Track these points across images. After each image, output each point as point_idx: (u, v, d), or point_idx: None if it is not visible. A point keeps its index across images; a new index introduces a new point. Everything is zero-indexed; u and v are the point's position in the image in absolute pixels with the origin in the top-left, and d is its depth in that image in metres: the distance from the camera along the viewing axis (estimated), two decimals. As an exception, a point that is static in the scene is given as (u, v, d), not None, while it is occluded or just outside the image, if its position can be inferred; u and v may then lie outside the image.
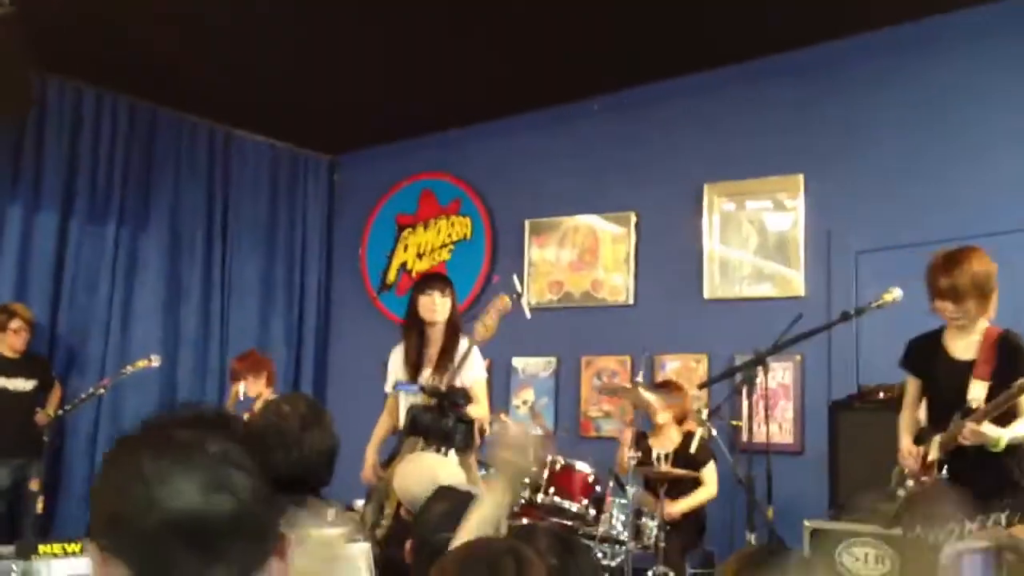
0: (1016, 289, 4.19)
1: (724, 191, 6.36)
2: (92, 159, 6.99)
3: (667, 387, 5.64)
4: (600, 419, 6.68)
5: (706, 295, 6.32)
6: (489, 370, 5.37)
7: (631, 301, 6.73)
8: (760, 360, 4.10)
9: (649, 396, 5.23)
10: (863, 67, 5.91)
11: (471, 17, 5.76)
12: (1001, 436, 3.57)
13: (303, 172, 8.33)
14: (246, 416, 5.15)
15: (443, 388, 4.33)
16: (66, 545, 2.11)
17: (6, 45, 5.22)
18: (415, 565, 2.41)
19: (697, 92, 6.53)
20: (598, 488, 4.84)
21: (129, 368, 5.81)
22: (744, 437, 4.73)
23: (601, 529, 4.73)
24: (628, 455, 5.00)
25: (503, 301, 4.40)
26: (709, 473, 5.32)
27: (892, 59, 5.79)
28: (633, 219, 6.77)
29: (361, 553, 2.52)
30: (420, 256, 7.84)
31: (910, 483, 3.89)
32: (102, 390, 5.81)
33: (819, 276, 5.88)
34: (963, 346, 3.82)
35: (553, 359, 6.93)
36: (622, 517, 4.77)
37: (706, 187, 6.39)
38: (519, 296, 5.14)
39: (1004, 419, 3.62)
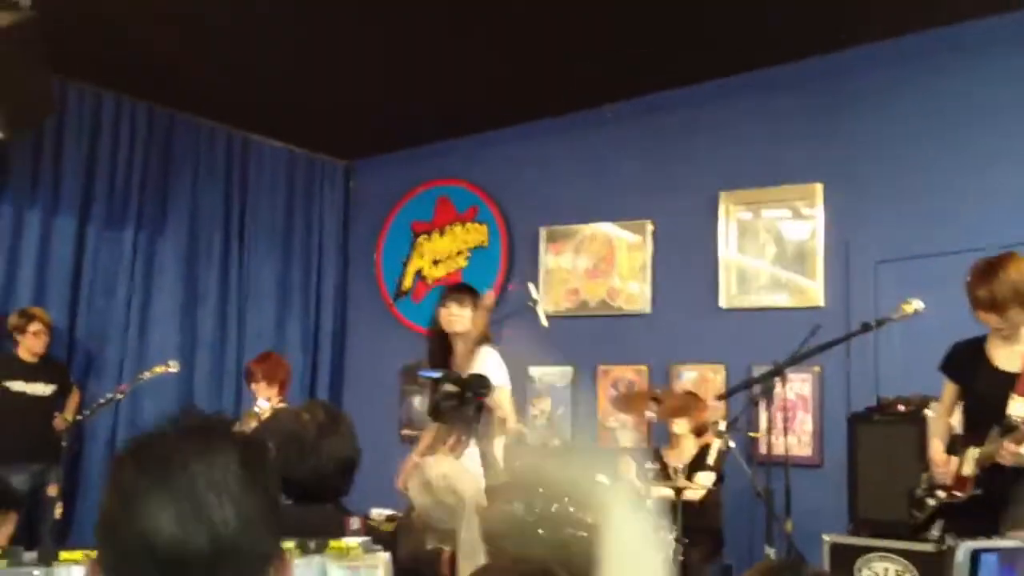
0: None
1: (741, 199, 6.33)
2: (110, 164, 7.01)
3: (686, 398, 5.61)
4: (617, 429, 6.65)
5: (723, 304, 6.30)
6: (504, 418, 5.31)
7: (648, 310, 6.71)
8: (778, 371, 4.08)
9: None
10: (882, 76, 5.88)
11: (487, 24, 5.76)
12: None
13: (319, 177, 8.34)
14: (254, 422, 5.16)
15: (465, 375, 4.34)
16: (88, 552, 2.10)
17: (25, 51, 5.23)
18: None
19: (714, 99, 6.51)
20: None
21: (147, 373, 5.82)
22: (762, 449, 4.71)
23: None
24: (647, 467, 4.98)
25: (488, 297, 4.45)
26: (704, 477, 5.28)
27: (911, 68, 5.76)
28: (649, 227, 6.75)
29: (381, 562, 2.50)
30: (436, 263, 7.83)
31: (941, 494, 3.84)
32: (120, 395, 5.82)
33: (837, 286, 5.85)
34: (1007, 356, 3.72)
35: (570, 368, 6.91)
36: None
37: (722, 195, 6.37)
38: (535, 304, 5.14)
39: None
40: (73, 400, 6.41)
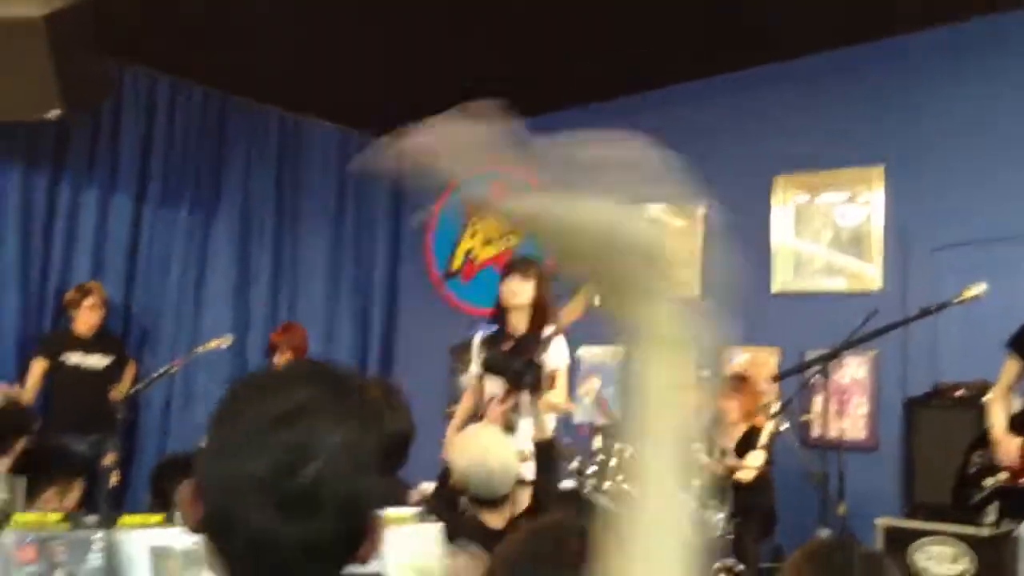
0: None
1: (797, 183, 6.26)
2: (166, 146, 7.11)
3: (736, 380, 5.56)
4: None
5: (776, 288, 6.24)
6: (554, 376, 5.31)
7: (698, 293, 6.64)
8: (835, 355, 4.04)
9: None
10: (944, 59, 5.78)
11: (536, 5, 5.73)
12: None
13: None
14: None
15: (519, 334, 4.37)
16: (148, 516, 2.13)
17: (82, 33, 5.31)
18: None
19: (771, 83, 6.43)
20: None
21: (201, 348, 5.89)
22: (816, 432, 4.67)
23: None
24: (694, 448, 4.94)
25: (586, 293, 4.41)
26: (755, 457, 5.23)
27: (974, 51, 5.66)
28: (701, 211, 6.69)
29: (435, 532, 2.51)
30: (486, 243, 7.83)
31: (1002, 475, 3.77)
32: (174, 369, 5.90)
33: (895, 270, 5.77)
34: None
35: (620, 348, 6.86)
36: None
37: (778, 179, 6.30)
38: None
39: None
40: (129, 373, 6.53)
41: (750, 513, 5.08)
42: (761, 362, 6.13)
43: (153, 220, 7.05)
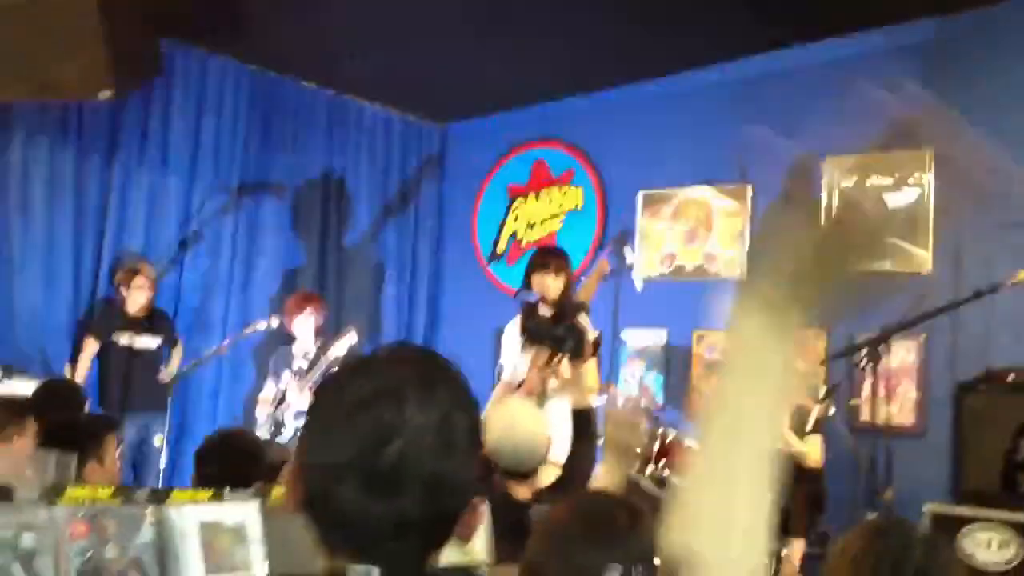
0: None
1: (846, 165, 6.17)
2: (216, 125, 7.16)
3: None
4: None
5: (824, 271, 6.16)
6: (599, 342, 5.32)
7: (745, 276, 6.59)
8: (884, 338, 3.99)
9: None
10: (995, 37, 5.67)
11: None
12: None
13: (417, 140, 8.39)
14: None
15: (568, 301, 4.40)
16: (198, 492, 2.17)
17: (132, 11, 5.36)
18: None
19: (818, 62, 6.34)
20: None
21: (249, 329, 5.96)
22: (864, 417, 4.62)
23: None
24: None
25: (603, 265, 4.45)
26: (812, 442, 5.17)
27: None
28: (749, 192, 6.64)
29: (479, 507, 2.52)
30: (531, 226, 7.83)
31: None
32: (223, 350, 5.97)
33: (946, 252, 5.68)
34: None
35: (664, 332, 6.85)
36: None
37: (826, 160, 6.21)
38: (630, 268, 5.12)
39: None
40: (177, 354, 6.58)
41: (797, 498, 5.04)
42: (808, 344, 6.07)
43: (203, 200, 7.11)
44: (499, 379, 4.97)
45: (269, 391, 6.17)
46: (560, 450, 4.23)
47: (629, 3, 5.90)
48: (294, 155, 7.63)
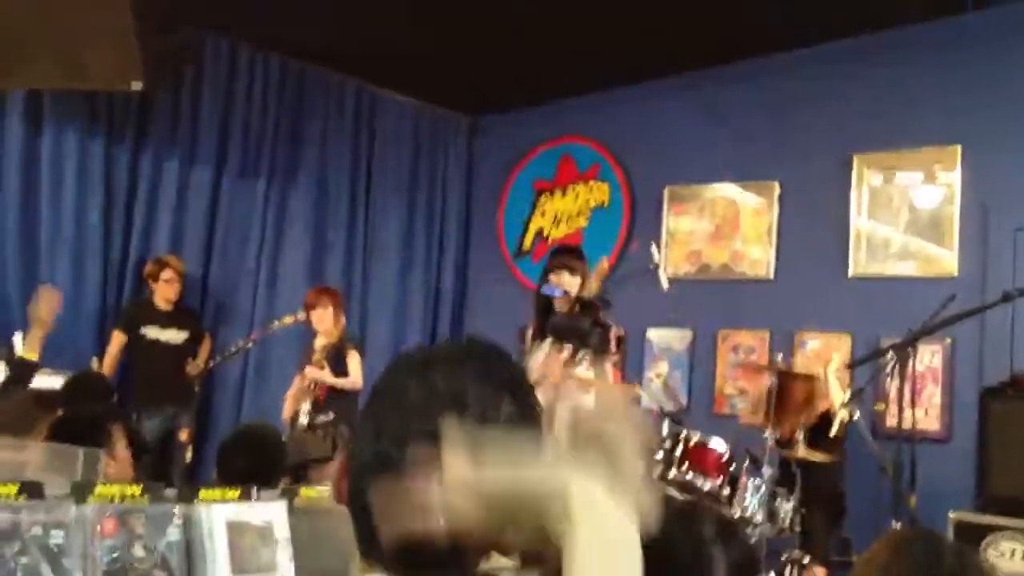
0: None
1: (874, 162, 6.14)
2: (245, 117, 7.17)
3: (806, 386, 5.45)
4: (735, 397, 6.56)
5: (851, 272, 6.14)
6: (622, 339, 5.32)
7: (771, 275, 6.58)
8: (911, 342, 3.97)
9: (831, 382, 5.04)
10: (1022, 34, 5.61)
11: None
12: None
13: (444, 133, 8.39)
14: None
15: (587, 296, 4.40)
16: (226, 490, 2.18)
17: (166, 6, 5.39)
18: None
19: (847, 58, 6.30)
20: (733, 467, 4.76)
21: (276, 323, 5.98)
22: (889, 422, 4.60)
23: (735, 510, 4.65)
24: (765, 436, 4.89)
25: (603, 264, 4.47)
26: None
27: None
28: (776, 190, 6.61)
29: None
30: (557, 222, 7.82)
31: None
32: (250, 344, 5.99)
33: (974, 255, 5.64)
34: None
35: (689, 332, 6.84)
36: (756, 498, 4.69)
37: (856, 158, 6.18)
38: (656, 266, 5.11)
39: None
40: (205, 347, 6.62)
41: (818, 499, 5.01)
42: (833, 347, 6.04)
43: (231, 192, 7.13)
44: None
45: (294, 387, 6.18)
46: None
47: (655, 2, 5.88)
48: (322, 147, 7.64)
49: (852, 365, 5.07)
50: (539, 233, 7.91)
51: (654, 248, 5.31)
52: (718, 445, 4.77)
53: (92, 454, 2.42)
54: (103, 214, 6.51)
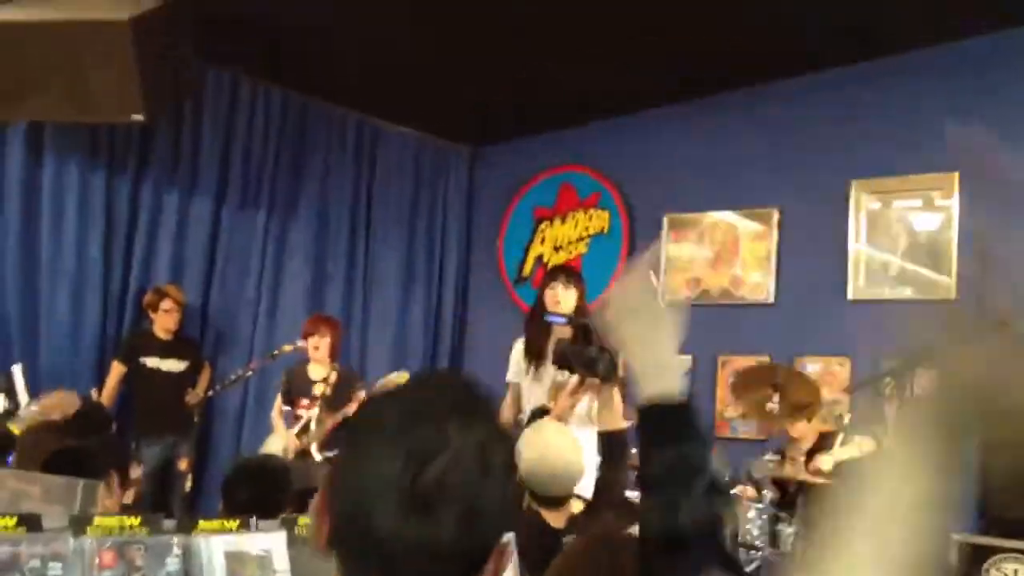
0: None
1: (872, 188, 6.17)
2: (245, 149, 7.20)
3: (807, 391, 5.49)
4: (736, 420, 6.57)
5: (851, 296, 6.15)
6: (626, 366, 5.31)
7: (771, 300, 6.60)
8: (912, 365, 3.97)
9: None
10: (1018, 61, 5.65)
11: (613, 9, 5.73)
12: None
13: (444, 163, 8.42)
14: None
15: (589, 320, 4.36)
16: (225, 521, 2.18)
17: (168, 36, 5.42)
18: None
19: (845, 86, 6.34)
20: (733, 491, 4.76)
21: (275, 352, 5.98)
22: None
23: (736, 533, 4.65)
24: (767, 458, 4.91)
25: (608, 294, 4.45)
26: (825, 461, 5.11)
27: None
28: (775, 216, 6.63)
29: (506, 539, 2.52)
30: (557, 249, 7.85)
31: None
32: (250, 372, 5.99)
33: (972, 280, 5.63)
34: None
35: (688, 358, 6.83)
36: (758, 521, 4.69)
37: (854, 184, 6.21)
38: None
39: None
40: (205, 377, 6.62)
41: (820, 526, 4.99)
42: (833, 372, 6.05)
43: (231, 223, 7.15)
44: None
45: (287, 418, 6.15)
46: (587, 483, 4.21)
47: (654, 28, 5.92)
48: (323, 178, 7.67)
49: (851, 390, 5.07)
50: (539, 259, 7.93)
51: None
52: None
53: (90, 486, 2.43)
54: (104, 245, 6.52)
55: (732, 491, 4.78)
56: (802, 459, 5.27)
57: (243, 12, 5.89)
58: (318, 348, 6.08)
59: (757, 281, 6.69)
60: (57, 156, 6.38)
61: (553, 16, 5.84)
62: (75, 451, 3.21)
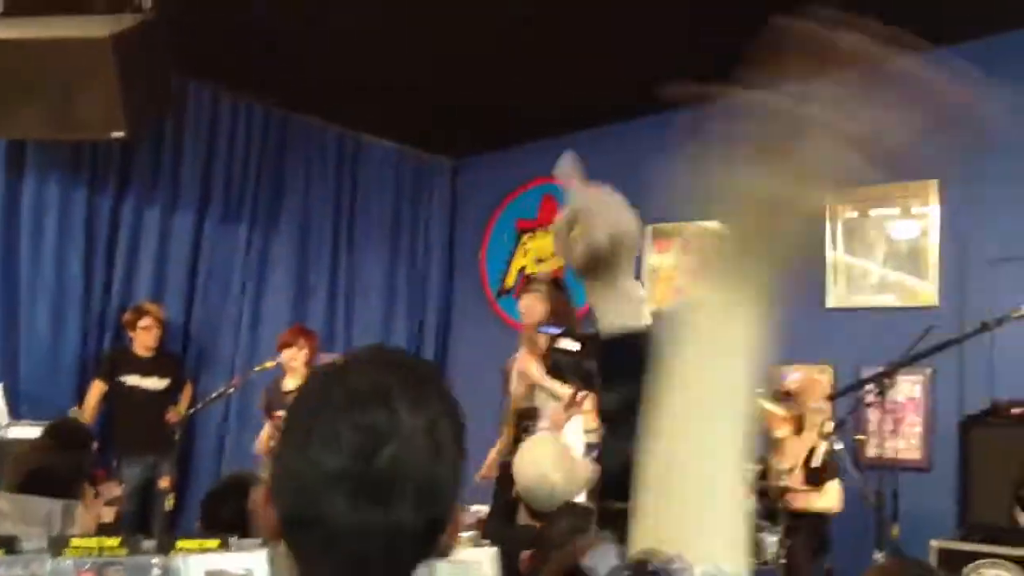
0: None
1: (850, 197, 6.21)
2: (227, 163, 7.19)
3: (788, 398, 5.52)
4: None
5: (830, 304, 6.18)
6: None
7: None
8: (891, 372, 4.01)
9: (770, 407, 5.12)
10: (999, 70, 5.69)
11: (594, 19, 5.75)
12: None
13: (426, 176, 8.43)
14: None
15: (586, 332, 4.36)
16: (204, 541, 2.18)
17: (147, 53, 5.42)
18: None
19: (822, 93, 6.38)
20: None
21: (257, 368, 5.97)
22: (870, 452, 4.62)
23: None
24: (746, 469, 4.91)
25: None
26: (832, 488, 5.16)
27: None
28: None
29: (488, 558, 2.52)
30: (539, 261, 7.85)
31: None
32: (232, 389, 5.97)
33: (951, 286, 5.69)
34: None
35: (643, 284, 6.85)
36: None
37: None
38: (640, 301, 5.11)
39: None
40: (186, 394, 6.59)
41: (802, 535, 5.03)
42: (813, 379, 6.08)
43: (213, 238, 7.13)
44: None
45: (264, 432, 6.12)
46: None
47: (633, 38, 5.95)
48: (305, 192, 7.67)
49: (833, 397, 5.10)
50: (522, 271, 7.94)
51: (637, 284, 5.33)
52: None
53: (68, 507, 2.42)
54: (84, 262, 6.49)
55: None
56: (786, 467, 5.29)
57: (223, 27, 5.89)
58: (295, 359, 6.05)
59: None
60: (38, 173, 6.36)
61: (533, 27, 5.86)
62: (49, 471, 3.20)
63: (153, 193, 6.85)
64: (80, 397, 6.25)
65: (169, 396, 6.39)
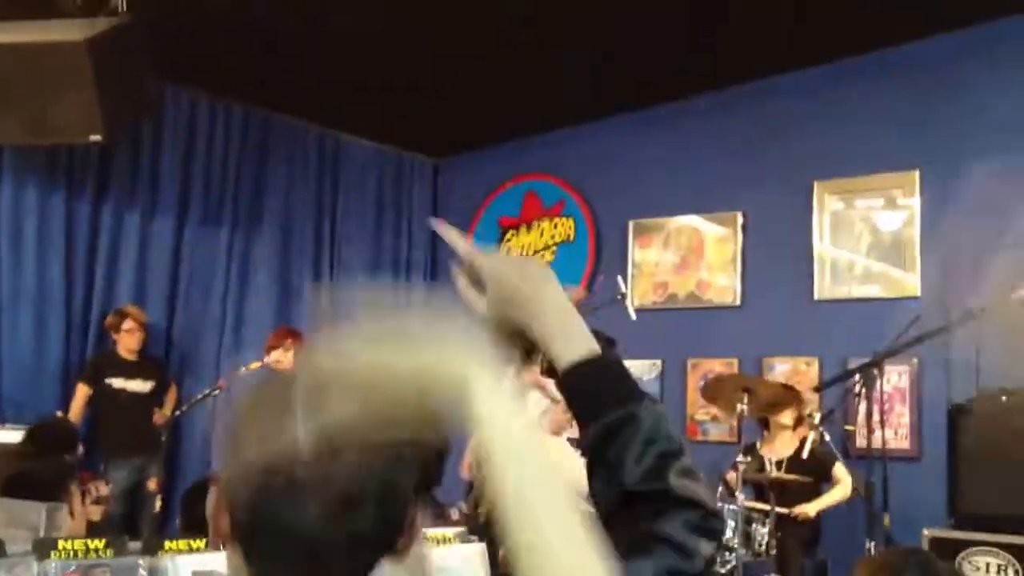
0: None
1: (835, 189, 6.22)
2: (206, 165, 7.17)
3: (781, 392, 5.51)
4: (707, 422, 6.58)
5: (816, 296, 6.19)
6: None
7: (737, 302, 6.62)
8: (878, 362, 4.00)
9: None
10: (982, 60, 5.71)
11: (573, 18, 5.74)
12: None
13: (409, 175, 8.41)
14: None
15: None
16: (191, 541, 2.15)
17: (124, 56, 5.37)
18: None
19: (807, 88, 6.39)
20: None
21: (242, 369, 5.94)
22: (860, 443, 4.62)
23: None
24: (738, 460, 4.91)
25: (577, 294, 4.43)
26: (841, 472, 5.15)
27: (1010, 51, 5.58)
28: (740, 219, 6.67)
29: (476, 553, 2.50)
30: (523, 258, 7.83)
31: None
32: (217, 391, 5.94)
33: (935, 276, 5.70)
34: None
35: (658, 362, 6.85)
36: (732, 523, 4.69)
37: (816, 185, 6.26)
38: (623, 297, 5.11)
39: None
40: (171, 397, 6.57)
41: (793, 526, 5.03)
42: (801, 372, 6.09)
43: (194, 241, 7.10)
44: None
45: None
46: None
47: (614, 36, 5.95)
48: (286, 193, 7.63)
49: (820, 388, 5.10)
50: (505, 272, 7.90)
51: (620, 280, 5.33)
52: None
53: (53, 509, 2.39)
54: (65, 266, 6.46)
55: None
56: (775, 459, 5.29)
57: (201, 29, 5.85)
58: (280, 362, 6.02)
59: (723, 284, 6.72)
60: (15, 178, 6.32)
61: (514, 25, 5.85)
62: (31, 474, 3.16)
63: (132, 196, 6.81)
64: (64, 401, 6.22)
65: (154, 399, 6.38)
